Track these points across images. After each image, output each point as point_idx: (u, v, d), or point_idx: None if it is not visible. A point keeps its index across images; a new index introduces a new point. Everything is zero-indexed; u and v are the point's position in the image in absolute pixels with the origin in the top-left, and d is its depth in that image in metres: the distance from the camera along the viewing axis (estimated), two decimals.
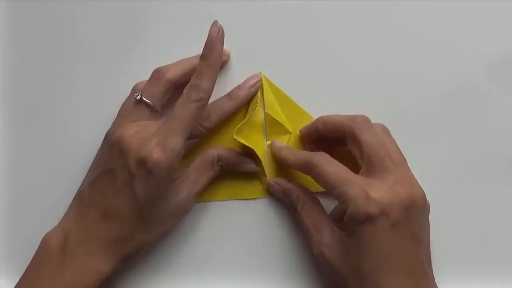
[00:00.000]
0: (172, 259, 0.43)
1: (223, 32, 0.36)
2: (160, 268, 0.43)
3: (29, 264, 0.38)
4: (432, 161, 0.42)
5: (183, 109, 0.36)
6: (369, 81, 0.43)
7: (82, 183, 0.40)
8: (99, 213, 0.37)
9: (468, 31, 0.42)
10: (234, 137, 0.40)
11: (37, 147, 0.44)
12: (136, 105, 0.40)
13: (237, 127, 0.40)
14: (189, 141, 0.42)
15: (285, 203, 0.41)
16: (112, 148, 0.37)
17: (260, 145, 0.42)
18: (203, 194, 0.42)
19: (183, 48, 0.43)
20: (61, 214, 0.43)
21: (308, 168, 0.37)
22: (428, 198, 0.40)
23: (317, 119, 0.40)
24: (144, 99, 0.39)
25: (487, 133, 0.42)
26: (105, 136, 0.39)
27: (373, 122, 0.42)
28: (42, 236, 0.43)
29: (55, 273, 0.36)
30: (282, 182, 0.41)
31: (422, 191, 0.37)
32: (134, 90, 0.41)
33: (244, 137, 0.41)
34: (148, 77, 0.41)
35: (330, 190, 0.36)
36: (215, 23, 0.36)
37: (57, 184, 0.44)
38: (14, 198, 0.44)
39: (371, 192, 0.34)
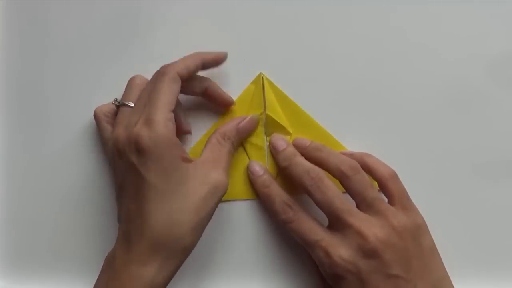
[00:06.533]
0: None
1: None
2: None
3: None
4: (432, 161, 0.42)
5: (161, 83, 0.37)
6: (369, 82, 0.43)
7: None
8: (130, 221, 0.36)
9: (468, 31, 0.42)
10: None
11: (37, 147, 0.44)
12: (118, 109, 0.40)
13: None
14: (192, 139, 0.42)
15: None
16: (114, 157, 0.37)
17: (260, 145, 0.42)
18: None
19: (183, 49, 0.43)
20: (61, 214, 0.44)
21: (280, 221, 0.39)
22: (427, 198, 0.40)
23: (314, 150, 0.40)
24: (125, 102, 0.39)
25: (487, 133, 0.42)
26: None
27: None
28: (42, 236, 0.44)
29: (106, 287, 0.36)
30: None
31: (384, 233, 0.37)
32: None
33: (249, 137, 0.42)
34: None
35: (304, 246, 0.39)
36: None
37: (57, 185, 0.44)
38: (14, 198, 0.44)
39: (332, 252, 0.36)
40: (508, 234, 0.42)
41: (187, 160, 0.37)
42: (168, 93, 0.37)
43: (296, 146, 0.41)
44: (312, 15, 0.43)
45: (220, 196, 0.37)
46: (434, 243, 0.38)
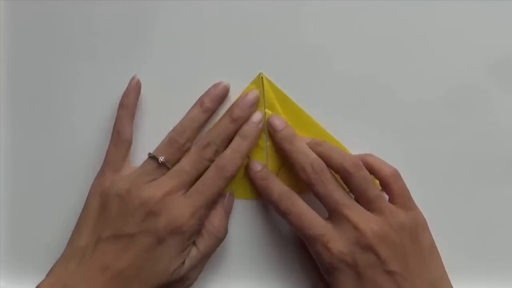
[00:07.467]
0: None
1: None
2: None
3: None
4: (432, 161, 0.42)
5: (214, 182, 0.39)
6: (370, 82, 0.43)
7: (79, 235, 0.39)
8: (109, 275, 0.37)
9: (468, 31, 0.42)
10: None
11: (38, 148, 0.44)
12: (157, 168, 0.40)
13: None
14: None
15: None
16: (136, 210, 0.38)
17: (260, 145, 0.42)
18: None
19: (185, 48, 0.43)
20: (61, 215, 0.44)
21: (280, 212, 0.39)
22: (427, 198, 0.40)
23: (315, 146, 0.40)
24: (165, 162, 0.39)
25: (487, 133, 0.42)
26: (106, 187, 0.39)
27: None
28: (42, 236, 0.44)
29: None
30: None
31: (380, 225, 0.37)
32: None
33: None
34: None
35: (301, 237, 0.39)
36: (252, 91, 0.41)
37: (57, 185, 0.44)
38: (14, 198, 0.44)
39: (330, 244, 0.37)
40: (508, 234, 0.42)
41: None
42: (218, 194, 0.39)
43: None
44: (312, 15, 0.43)
45: None
46: (434, 243, 0.38)
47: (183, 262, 0.38)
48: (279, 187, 0.40)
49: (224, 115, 0.41)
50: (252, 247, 0.43)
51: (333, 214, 0.38)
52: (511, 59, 0.42)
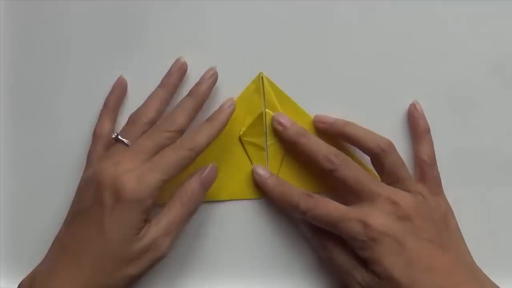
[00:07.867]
0: (168, 259, 0.42)
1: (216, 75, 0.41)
2: (156, 267, 0.43)
3: None
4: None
5: (170, 155, 0.37)
6: (370, 81, 0.43)
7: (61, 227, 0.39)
8: (68, 255, 0.36)
9: (469, 31, 0.42)
10: (243, 139, 0.42)
11: (38, 147, 0.44)
12: (112, 144, 0.40)
13: (243, 130, 0.42)
14: None
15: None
16: (88, 185, 0.38)
17: (260, 145, 0.42)
18: None
19: (186, 48, 0.43)
20: (61, 215, 0.43)
21: (302, 211, 0.39)
22: None
23: (343, 125, 0.40)
24: (121, 137, 0.39)
25: (487, 133, 0.42)
26: (81, 179, 0.40)
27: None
28: (42, 236, 0.44)
29: None
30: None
31: (414, 197, 0.38)
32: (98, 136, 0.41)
33: (249, 137, 0.42)
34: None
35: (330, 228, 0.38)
36: (211, 68, 0.41)
37: (57, 185, 0.44)
38: (14, 198, 0.44)
39: (366, 219, 0.36)
40: (508, 234, 0.42)
41: (145, 221, 0.37)
42: (177, 166, 0.37)
43: (319, 121, 0.42)
44: (312, 15, 0.43)
45: (154, 263, 0.37)
46: (460, 230, 0.39)
47: (148, 228, 0.37)
48: (296, 189, 0.40)
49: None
50: (254, 247, 0.43)
51: (361, 194, 0.38)
52: (511, 59, 0.42)
